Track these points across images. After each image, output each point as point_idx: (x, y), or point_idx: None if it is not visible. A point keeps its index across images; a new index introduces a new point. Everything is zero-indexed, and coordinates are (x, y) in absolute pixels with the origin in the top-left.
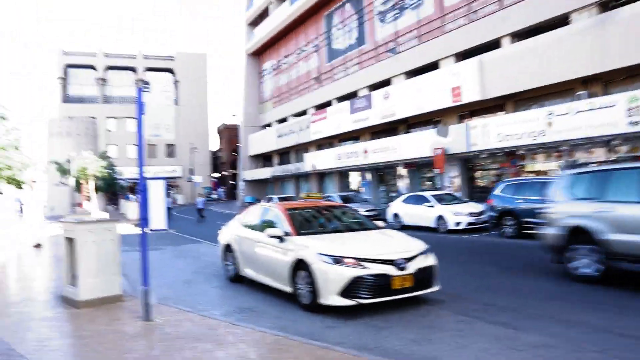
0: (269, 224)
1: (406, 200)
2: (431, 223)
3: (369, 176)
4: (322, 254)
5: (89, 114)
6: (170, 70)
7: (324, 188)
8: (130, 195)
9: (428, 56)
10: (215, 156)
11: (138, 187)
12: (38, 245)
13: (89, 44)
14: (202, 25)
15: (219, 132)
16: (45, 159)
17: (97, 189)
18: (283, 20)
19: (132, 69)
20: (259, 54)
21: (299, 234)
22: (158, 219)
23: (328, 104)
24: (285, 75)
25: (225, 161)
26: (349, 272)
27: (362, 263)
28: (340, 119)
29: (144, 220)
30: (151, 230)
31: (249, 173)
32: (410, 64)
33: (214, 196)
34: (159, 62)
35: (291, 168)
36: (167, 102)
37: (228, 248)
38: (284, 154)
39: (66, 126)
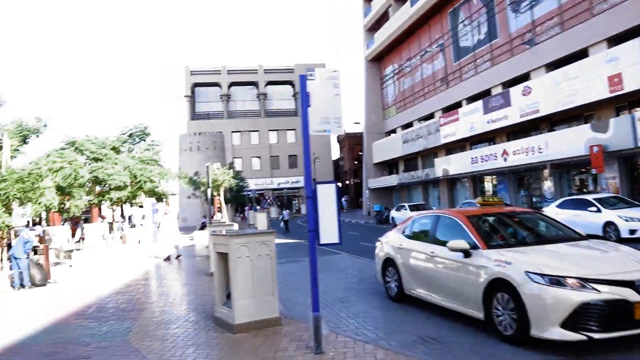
0: (444, 235)
1: (562, 205)
2: (597, 231)
3: (507, 180)
4: (532, 273)
5: (214, 129)
6: (290, 83)
7: (455, 194)
8: (257, 207)
9: (573, 44)
10: (337, 165)
11: (266, 198)
12: (168, 258)
13: (214, 61)
14: (320, 35)
15: (340, 141)
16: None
17: (226, 201)
18: (404, 22)
19: (254, 84)
20: (380, 59)
21: (488, 246)
22: (329, 231)
23: (457, 105)
24: (408, 78)
25: (347, 170)
26: (574, 297)
27: (589, 285)
28: (473, 120)
29: (312, 233)
30: (321, 244)
31: (374, 181)
32: (551, 54)
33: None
34: (279, 75)
35: (419, 174)
36: (335, 90)
37: (388, 262)
38: (410, 160)
39: (196, 141)
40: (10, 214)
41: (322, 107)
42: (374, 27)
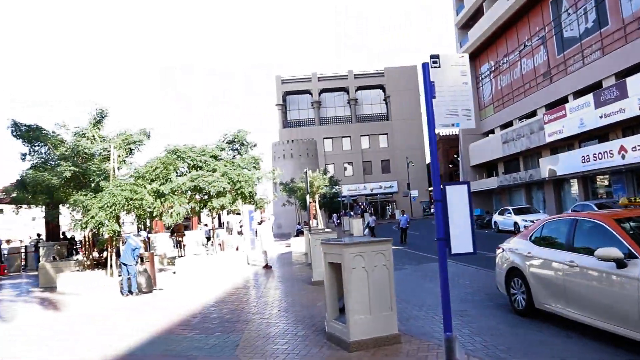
0: (586, 241)
1: None
2: None
3: (624, 179)
4: None
5: (306, 136)
6: (381, 87)
7: (563, 196)
8: (351, 213)
9: None
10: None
11: (360, 204)
12: (267, 267)
13: (304, 68)
14: (411, 37)
15: None
16: (271, 180)
17: (321, 207)
18: (500, 16)
19: (344, 89)
20: (474, 57)
21: None
22: (462, 240)
23: (563, 100)
24: (506, 75)
25: (441, 173)
26: None
27: None
28: (582, 115)
29: (442, 242)
30: (453, 254)
31: (472, 184)
32: None
33: (432, 210)
34: (369, 80)
35: (522, 176)
36: (463, 79)
37: (513, 272)
38: (511, 162)
39: (289, 149)
40: (118, 222)
41: (449, 98)
42: (468, 24)
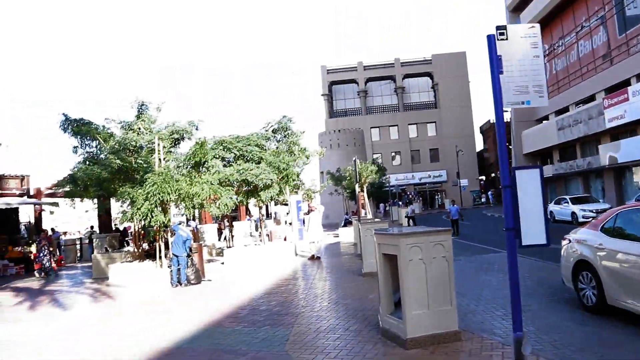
0: None
1: None
2: None
3: None
4: None
5: (353, 125)
6: (428, 74)
7: (624, 185)
8: (399, 202)
9: None
10: (481, 157)
11: (408, 193)
12: (313, 257)
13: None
14: (459, 22)
15: (483, 131)
16: (318, 170)
17: (369, 196)
18: None
19: (391, 78)
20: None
21: None
22: (534, 230)
23: (625, 83)
24: (561, 59)
25: (492, 162)
26: None
27: None
28: None
29: (511, 232)
30: (523, 246)
31: None
32: None
33: (483, 200)
34: (416, 68)
35: (580, 163)
36: (534, 51)
37: (581, 265)
38: (567, 149)
39: (335, 139)
40: (166, 212)
41: (518, 73)
42: (520, 6)
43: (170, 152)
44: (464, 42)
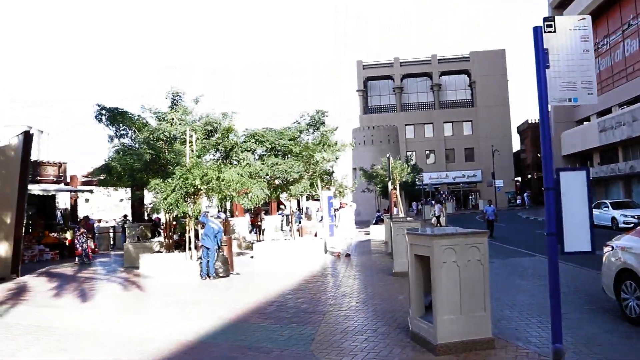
0: None
1: None
2: None
3: None
4: None
5: (387, 122)
6: (466, 72)
7: None
8: (432, 201)
9: None
10: (517, 158)
11: (441, 193)
12: (346, 255)
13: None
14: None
15: (520, 132)
16: (351, 167)
17: (401, 194)
18: None
19: (428, 74)
20: None
21: None
22: (578, 236)
23: None
24: (605, 58)
25: (529, 163)
26: None
27: None
28: None
29: (553, 237)
30: (565, 252)
31: None
32: None
33: (518, 201)
34: (454, 65)
35: (622, 167)
36: (584, 45)
37: (625, 274)
38: (608, 151)
39: (369, 135)
40: (195, 204)
41: (566, 68)
42: (563, 3)
43: (204, 144)
44: (504, 39)
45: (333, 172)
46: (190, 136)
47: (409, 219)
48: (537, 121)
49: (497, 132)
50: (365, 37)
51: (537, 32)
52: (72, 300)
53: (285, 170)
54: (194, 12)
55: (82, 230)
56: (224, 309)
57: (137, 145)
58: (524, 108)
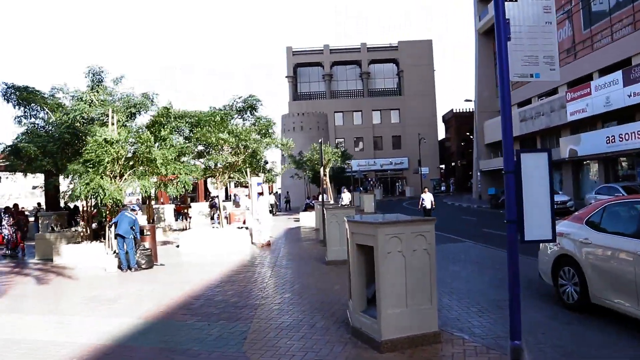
0: None
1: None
2: None
3: None
4: None
5: (317, 109)
6: (394, 61)
7: (582, 178)
8: (360, 188)
9: None
10: (442, 146)
11: (369, 180)
12: (268, 244)
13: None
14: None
15: (445, 121)
16: (279, 153)
17: (330, 181)
18: None
19: (357, 62)
20: (493, 31)
21: None
22: (539, 223)
23: (587, 78)
24: None
25: (454, 151)
26: None
27: None
28: (609, 94)
29: (513, 225)
30: (525, 241)
31: (485, 163)
32: None
33: (443, 188)
34: (383, 53)
35: None
36: (547, 17)
37: (564, 260)
38: (527, 140)
39: (299, 121)
40: (119, 190)
41: (528, 41)
42: None
43: (125, 125)
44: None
45: (266, 161)
46: (113, 117)
47: (345, 205)
48: (461, 111)
49: (423, 121)
50: (296, 23)
51: (500, 4)
52: None
53: (220, 160)
54: (190, 12)
55: (11, 220)
56: (146, 305)
57: (50, 128)
58: (449, 98)
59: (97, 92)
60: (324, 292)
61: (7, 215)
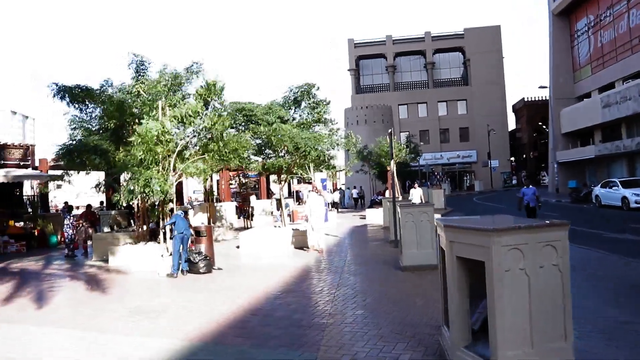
0: None
1: None
2: None
3: None
4: None
5: (380, 102)
6: (460, 49)
7: None
8: (428, 183)
9: None
10: (513, 137)
11: (436, 174)
12: (320, 251)
13: (378, 31)
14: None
15: (516, 110)
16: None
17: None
18: None
19: (421, 53)
20: (569, 12)
21: None
22: None
23: None
24: (608, 30)
25: (525, 142)
26: None
27: None
28: None
29: None
30: None
31: (564, 153)
32: None
33: (514, 181)
34: (448, 42)
35: (628, 144)
36: None
37: None
38: (611, 128)
39: (362, 115)
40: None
41: None
42: None
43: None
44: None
45: (331, 156)
46: (163, 108)
47: (426, 202)
48: (533, 99)
49: (492, 111)
50: (358, 15)
51: None
52: (19, 308)
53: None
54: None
55: (80, 221)
56: (195, 321)
57: (101, 123)
58: (519, 86)
59: (143, 83)
60: (402, 307)
61: (70, 215)
